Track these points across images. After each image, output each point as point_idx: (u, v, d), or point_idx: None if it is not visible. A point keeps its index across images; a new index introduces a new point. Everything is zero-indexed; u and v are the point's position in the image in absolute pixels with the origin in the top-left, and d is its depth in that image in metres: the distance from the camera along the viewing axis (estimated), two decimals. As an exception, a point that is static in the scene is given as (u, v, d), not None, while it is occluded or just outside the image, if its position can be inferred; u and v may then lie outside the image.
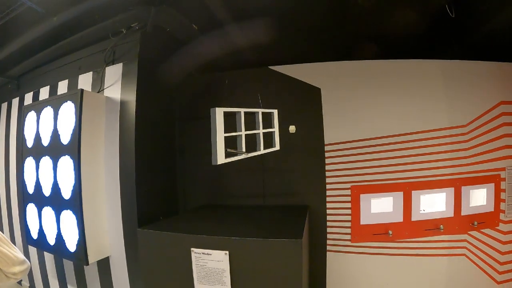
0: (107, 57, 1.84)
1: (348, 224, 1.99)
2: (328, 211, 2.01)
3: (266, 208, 2.03)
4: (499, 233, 1.96)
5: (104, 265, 1.81)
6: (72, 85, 2.04)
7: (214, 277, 1.23)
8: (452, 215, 1.94)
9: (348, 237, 1.99)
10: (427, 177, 1.95)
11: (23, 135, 2.01)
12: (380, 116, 1.99)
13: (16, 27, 1.82)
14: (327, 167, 2.02)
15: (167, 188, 2.05)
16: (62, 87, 2.11)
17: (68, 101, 1.71)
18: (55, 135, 1.77)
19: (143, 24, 1.75)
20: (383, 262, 1.96)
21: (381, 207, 1.96)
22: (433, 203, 1.95)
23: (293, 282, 1.16)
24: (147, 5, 1.65)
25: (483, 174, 1.95)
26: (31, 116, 1.96)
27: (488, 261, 1.95)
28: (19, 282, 2.46)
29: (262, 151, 1.77)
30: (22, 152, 2.03)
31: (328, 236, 2.01)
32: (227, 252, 1.20)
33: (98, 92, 1.84)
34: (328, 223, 2.01)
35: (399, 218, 1.95)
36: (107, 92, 1.83)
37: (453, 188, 1.94)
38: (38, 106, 1.93)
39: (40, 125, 1.88)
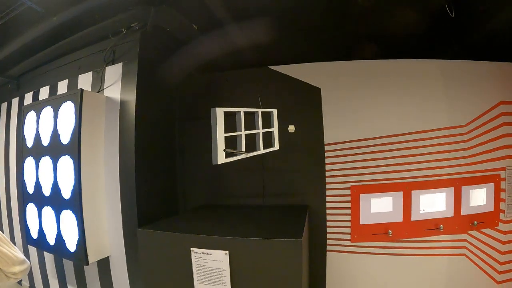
0: (107, 57, 1.84)
1: (348, 224, 1.99)
2: (328, 211, 2.01)
3: (266, 208, 2.03)
4: (499, 233, 1.96)
5: (104, 265, 1.81)
6: (72, 85, 2.04)
7: (214, 277, 1.23)
8: (452, 215, 1.94)
9: (348, 237, 1.99)
10: (427, 177, 1.95)
11: (23, 135, 2.01)
12: (380, 116, 1.99)
13: (16, 27, 1.82)
14: (327, 167, 2.02)
15: (167, 188, 2.05)
16: (62, 87, 2.11)
17: (68, 101, 1.71)
18: (55, 135, 1.77)
19: (143, 24, 1.75)
20: (383, 262, 1.96)
21: (381, 207, 1.96)
22: (433, 203, 1.95)
23: (293, 282, 1.16)
24: (147, 5, 1.65)
25: (483, 174, 1.96)
26: (31, 116, 1.96)
27: (488, 261, 1.95)
28: (19, 282, 2.46)
29: (261, 151, 1.78)
30: (22, 152, 2.03)
31: (328, 236, 2.01)
32: (227, 252, 1.20)
33: (98, 92, 1.84)
34: (328, 223, 2.01)
35: (399, 218, 1.95)
36: (107, 92, 1.83)
37: (453, 188, 1.94)
38: (38, 106, 1.93)
39: (40, 125, 1.88)
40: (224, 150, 1.48)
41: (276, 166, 2.07)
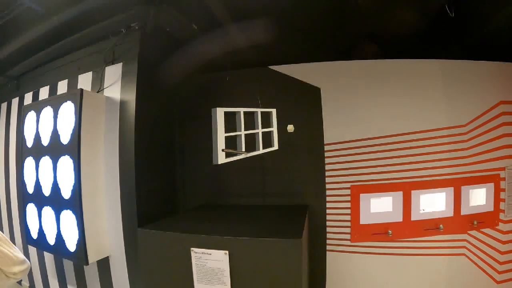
0: (106, 57, 1.84)
1: (348, 223, 1.99)
2: (327, 211, 2.01)
3: (266, 207, 2.03)
4: (498, 233, 1.96)
5: (104, 265, 1.81)
6: (72, 85, 2.04)
7: (214, 277, 1.23)
8: (452, 215, 1.95)
9: (348, 236, 1.99)
10: (427, 176, 1.95)
11: (23, 135, 2.01)
12: (380, 115, 1.99)
13: (16, 27, 1.82)
14: (326, 167, 2.02)
15: (167, 188, 2.05)
16: (62, 87, 2.11)
17: (68, 101, 1.71)
18: (55, 135, 1.77)
19: (142, 24, 1.75)
20: (382, 261, 1.96)
21: (380, 206, 1.96)
22: (432, 203, 1.95)
23: (293, 282, 1.16)
24: (147, 5, 1.65)
25: (483, 173, 1.96)
26: (30, 116, 1.96)
27: (488, 261, 1.95)
28: (19, 282, 2.45)
29: (261, 150, 1.78)
30: (22, 152, 2.03)
31: (328, 235, 2.01)
32: (227, 251, 1.20)
33: (98, 92, 1.84)
34: (328, 223, 2.01)
35: (399, 218, 1.95)
36: (107, 92, 1.83)
37: (452, 188, 1.94)
38: (37, 106, 1.92)
39: (40, 125, 1.88)
40: (223, 150, 1.48)
41: (276, 166, 2.07)
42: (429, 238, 1.94)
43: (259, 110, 1.82)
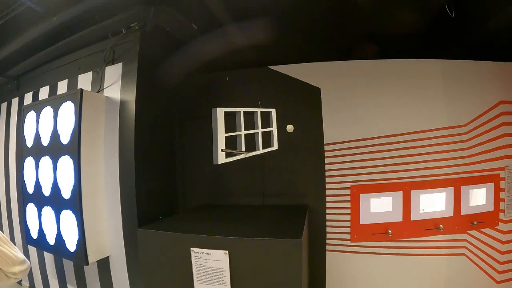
0: (106, 57, 1.84)
1: (348, 223, 1.99)
2: (327, 211, 2.01)
3: (265, 207, 2.03)
4: (498, 233, 1.96)
5: (104, 265, 1.81)
6: (72, 85, 2.04)
7: (214, 277, 1.23)
8: (452, 215, 1.95)
9: (348, 236, 1.99)
10: (427, 176, 1.95)
11: (23, 135, 2.01)
12: (380, 115, 1.99)
13: (16, 27, 1.82)
14: (326, 167, 2.02)
15: (167, 188, 2.05)
16: (62, 87, 2.11)
17: (68, 101, 1.71)
18: (55, 135, 1.77)
19: (142, 24, 1.75)
20: (382, 261, 1.96)
21: (380, 206, 1.96)
22: (432, 203, 1.95)
23: (293, 282, 1.16)
24: (147, 5, 1.65)
25: (483, 173, 1.96)
26: (30, 116, 1.96)
27: (488, 261, 1.95)
28: (19, 282, 2.46)
29: (260, 150, 1.78)
30: (22, 152, 2.03)
31: (328, 235, 2.01)
32: (227, 251, 1.20)
33: (98, 92, 1.84)
34: (328, 223, 2.01)
35: (399, 218, 1.95)
36: (107, 92, 1.83)
37: (452, 188, 1.94)
38: (37, 106, 1.93)
39: (40, 125, 1.88)
40: (222, 150, 1.48)
41: (276, 166, 2.07)
42: (429, 238, 1.94)
43: (258, 110, 1.82)
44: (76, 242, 1.67)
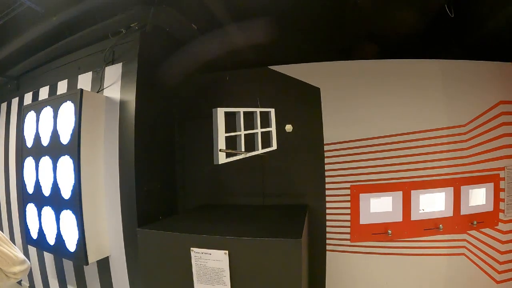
0: (106, 57, 1.84)
1: (348, 223, 1.99)
2: (327, 211, 2.01)
3: (265, 207, 2.03)
4: (498, 233, 1.96)
5: (103, 265, 1.81)
6: (72, 85, 2.04)
7: (214, 277, 1.23)
8: (452, 215, 1.95)
9: (348, 236, 1.99)
10: (426, 176, 1.95)
11: (23, 135, 2.01)
12: (380, 115, 1.99)
13: (16, 27, 1.82)
14: (326, 167, 2.02)
15: (167, 188, 2.05)
16: (62, 87, 2.11)
17: (68, 101, 1.71)
18: (55, 135, 1.77)
19: (142, 24, 1.75)
20: (382, 261, 1.96)
21: (380, 206, 1.96)
22: (432, 203, 1.95)
23: (293, 282, 1.16)
24: (147, 5, 1.65)
25: (482, 173, 1.96)
26: (30, 116, 1.96)
27: (488, 261, 1.95)
28: (19, 282, 2.46)
29: (260, 150, 1.78)
30: (22, 152, 2.03)
31: (328, 235, 2.01)
32: (227, 251, 1.20)
33: (98, 92, 1.84)
34: (328, 223, 2.01)
35: (399, 218, 1.95)
36: (107, 92, 1.83)
37: (452, 188, 1.94)
38: (37, 106, 1.93)
39: (40, 125, 1.88)
40: (221, 150, 1.48)
41: (276, 166, 2.07)
42: (429, 238, 1.95)
43: (258, 110, 1.82)
44: (76, 242, 1.67)
